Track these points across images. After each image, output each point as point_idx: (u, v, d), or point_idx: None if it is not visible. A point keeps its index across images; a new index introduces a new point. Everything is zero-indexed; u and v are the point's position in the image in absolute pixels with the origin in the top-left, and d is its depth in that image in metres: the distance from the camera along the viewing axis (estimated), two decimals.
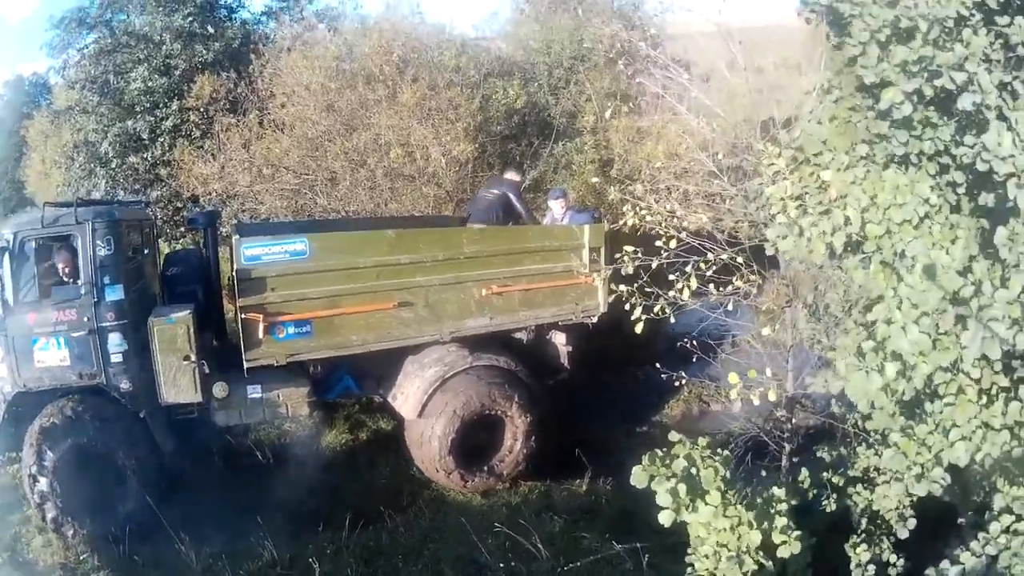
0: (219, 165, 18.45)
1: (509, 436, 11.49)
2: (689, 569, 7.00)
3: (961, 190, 6.07)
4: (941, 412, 6.08)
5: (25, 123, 46.53)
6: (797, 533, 6.75)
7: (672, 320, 9.24)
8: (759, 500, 6.92)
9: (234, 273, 10.26)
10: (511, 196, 12.53)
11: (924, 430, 6.26)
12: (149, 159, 22.94)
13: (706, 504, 6.51)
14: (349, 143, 16.81)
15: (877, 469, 7.57)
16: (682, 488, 6.40)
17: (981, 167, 5.54)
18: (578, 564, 8.97)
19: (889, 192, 6.14)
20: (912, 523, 7.30)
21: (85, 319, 10.32)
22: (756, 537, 6.56)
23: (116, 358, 10.48)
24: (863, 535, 7.60)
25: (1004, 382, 5.91)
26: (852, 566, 7.41)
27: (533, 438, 11.47)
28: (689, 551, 6.82)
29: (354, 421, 14.13)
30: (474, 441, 11.43)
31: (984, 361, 5.77)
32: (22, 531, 10.57)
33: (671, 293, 9.06)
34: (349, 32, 21.27)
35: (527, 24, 22.67)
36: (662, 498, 6.37)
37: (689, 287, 8.98)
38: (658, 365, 10.09)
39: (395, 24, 19.30)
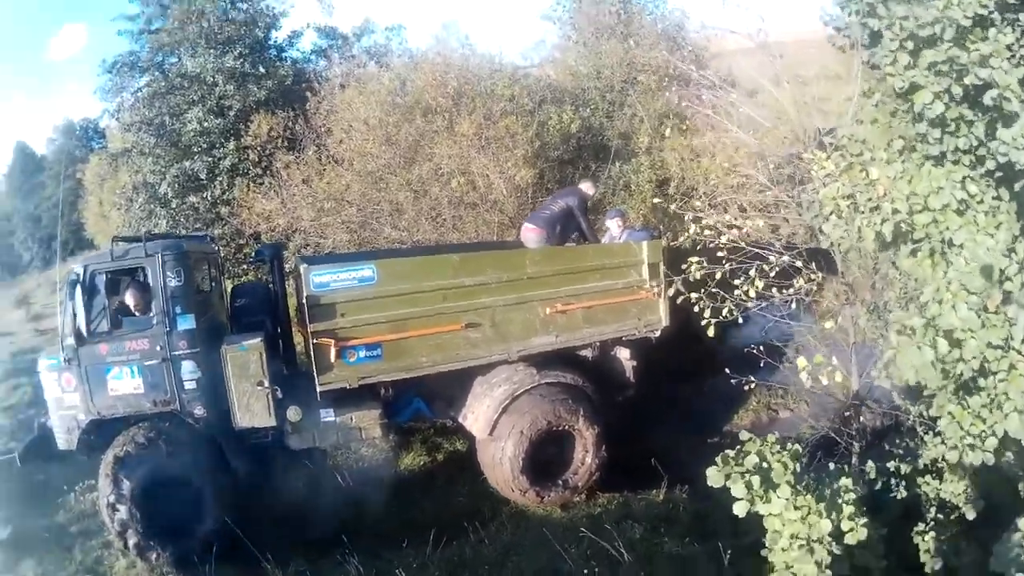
0: (280, 200, 19.08)
1: (580, 449, 11.93)
2: (767, 563, 7.47)
3: (997, 179, 6.61)
4: (995, 387, 6.45)
5: (80, 166, 48.11)
6: (864, 521, 7.13)
7: (740, 321, 9.70)
8: (828, 491, 7.34)
9: (304, 300, 10.73)
10: (575, 210, 12.92)
11: (978, 402, 6.63)
12: (209, 198, 23.66)
13: (778, 496, 6.97)
14: (410, 174, 17.34)
15: (945, 459, 7.68)
16: (755, 480, 6.88)
17: (1014, 157, 6.09)
18: (661, 565, 9.29)
19: (927, 183, 6.66)
20: (980, 504, 7.55)
21: (158, 348, 10.95)
22: (826, 525, 6.93)
23: (189, 385, 11.07)
24: (932, 523, 7.84)
25: None
26: (921, 552, 7.73)
27: (603, 448, 11.91)
28: (767, 546, 7.17)
29: (431, 444, 14.65)
30: (547, 457, 11.89)
31: None
32: (104, 555, 11.08)
33: (736, 293, 9.50)
34: (400, 67, 21.99)
35: (574, 50, 23.16)
36: (737, 490, 6.84)
37: (756, 287, 9.43)
38: (727, 371, 10.40)
39: (446, 57, 19.95)
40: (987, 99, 6.24)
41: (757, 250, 9.79)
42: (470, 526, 10.86)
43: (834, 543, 6.97)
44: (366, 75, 21.79)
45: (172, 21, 25.02)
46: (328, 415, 11.54)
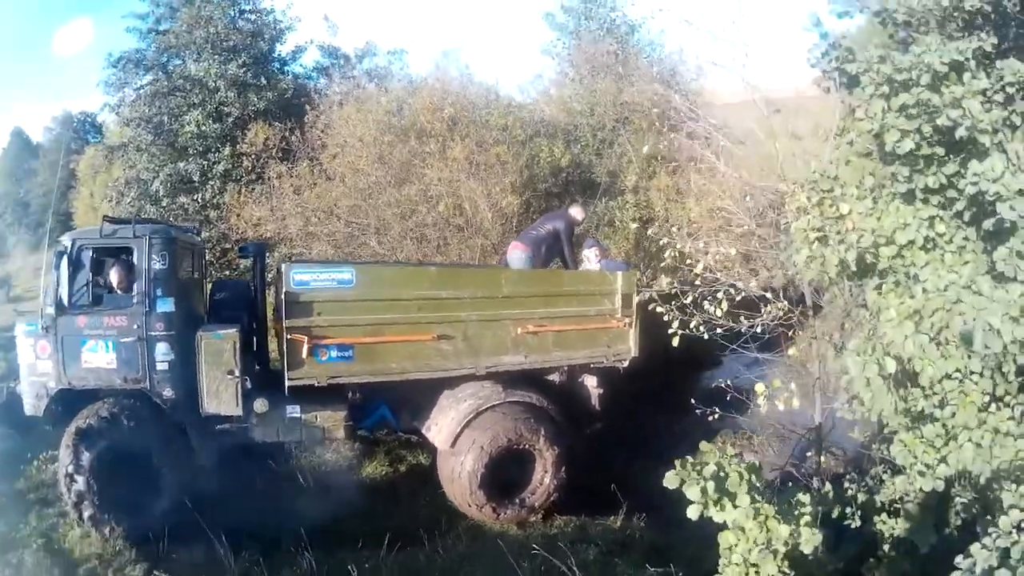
0: (270, 208, 19.49)
1: (539, 469, 12.08)
2: None
3: (967, 218, 6.96)
4: (950, 417, 6.78)
5: (75, 157, 48.39)
6: (821, 533, 7.40)
7: (705, 336, 10.11)
8: (785, 506, 7.61)
9: (283, 296, 10.96)
10: (561, 234, 13.27)
11: (932, 431, 6.92)
12: (199, 200, 24.05)
13: (735, 507, 7.22)
14: (400, 193, 17.72)
15: (903, 499, 7.94)
16: (710, 486, 7.15)
17: (971, 190, 6.45)
18: None
19: (894, 219, 7.02)
20: (932, 539, 7.56)
21: (135, 326, 11.19)
22: (784, 530, 7.21)
23: (162, 366, 11.29)
24: (885, 559, 7.99)
25: (1015, 390, 6.64)
26: None
27: (562, 471, 12.06)
28: (719, 566, 7.34)
29: (394, 456, 14.81)
30: (506, 475, 12.03)
31: (993, 371, 6.60)
32: (59, 523, 11.10)
33: (706, 310, 9.91)
34: (399, 90, 22.48)
35: (570, 87, 23.71)
36: (691, 493, 7.06)
37: (722, 308, 9.81)
38: (693, 401, 10.63)
39: (444, 84, 20.49)
40: (959, 133, 6.60)
41: (728, 281, 10.17)
42: (426, 535, 10.97)
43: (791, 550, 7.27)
44: (365, 95, 22.24)
45: (180, 24, 25.54)
46: (294, 411, 11.71)
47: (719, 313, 9.89)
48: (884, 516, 8.12)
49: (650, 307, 10.62)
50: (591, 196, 18.32)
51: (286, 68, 27.82)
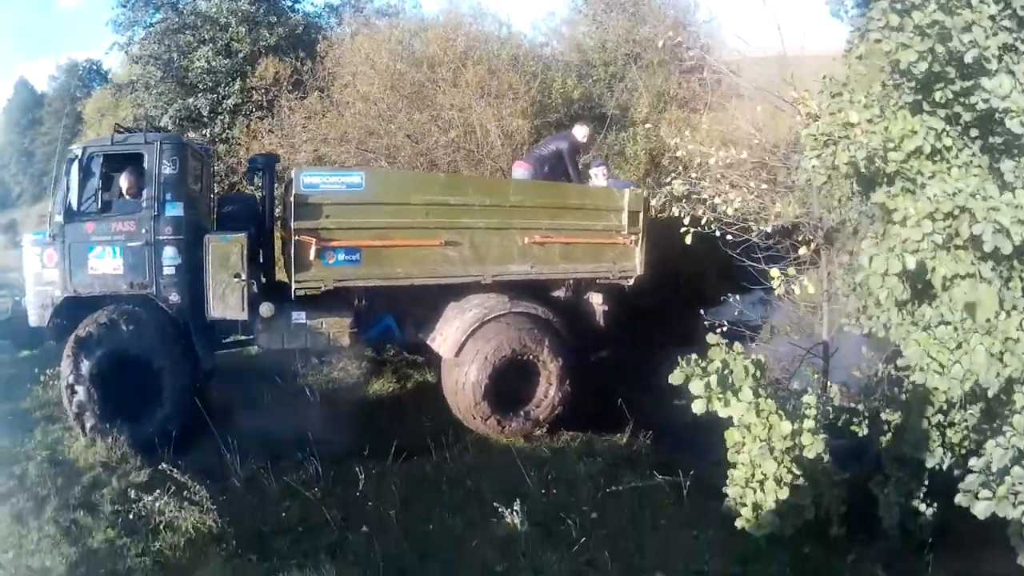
0: (280, 136, 19.68)
1: (544, 382, 12.18)
2: (725, 487, 7.85)
3: (974, 134, 7.13)
4: (962, 320, 6.96)
5: (81, 102, 48.43)
6: (824, 436, 7.57)
7: (717, 233, 10.38)
8: (790, 404, 7.76)
9: (292, 199, 11.03)
10: (565, 154, 13.33)
11: (944, 333, 7.05)
12: (208, 135, 24.07)
13: (739, 400, 7.37)
14: (411, 119, 17.81)
15: (907, 421, 8.04)
16: (714, 379, 7.30)
17: (982, 106, 6.65)
18: (619, 489, 9.48)
19: (902, 126, 7.18)
20: (939, 454, 7.72)
21: (143, 231, 11.31)
22: (786, 427, 7.37)
23: (168, 271, 11.40)
24: (893, 479, 8.03)
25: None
26: (880, 506, 7.99)
27: (567, 383, 12.17)
28: (727, 457, 7.64)
29: (401, 374, 15.00)
30: (511, 388, 12.13)
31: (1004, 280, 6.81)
32: (64, 436, 11.21)
33: (717, 201, 10.10)
34: (411, 26, 22.51)
35: (583, 23, 23.73)
36: (695, 387, 7.23)
37: (732, 207, 10.01)
38: (702, 312, 10.72)
39: (456, 18, 20.60)
40: (968, 58, 6.79)
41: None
42: (433, 446, 11.10)
43: (794, 450, 7.41)
44: (377, 27, 22.33)
45: None
46: (299, 317, 11.81)
47: (729, 212, 9.99)
48: (890, 436, 8.25)
49: (663, 211, 10.82)
50: (599, 129, 18.37)
51: (296, 5, 27.95)
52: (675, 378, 7.33)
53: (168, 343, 11.32)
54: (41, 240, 11.46)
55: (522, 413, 12.21)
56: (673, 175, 11.40)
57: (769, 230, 10.53)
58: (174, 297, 11.47)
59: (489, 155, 17.15)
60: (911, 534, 7.91)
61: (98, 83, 56.50)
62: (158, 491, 8.70)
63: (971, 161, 7.25)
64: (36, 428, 11.54)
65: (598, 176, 13.46)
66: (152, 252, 11.34)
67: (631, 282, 12.95)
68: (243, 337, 12.31)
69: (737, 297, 10.92)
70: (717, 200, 10.23)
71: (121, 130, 12.27)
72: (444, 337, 12.21)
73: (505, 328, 12.02)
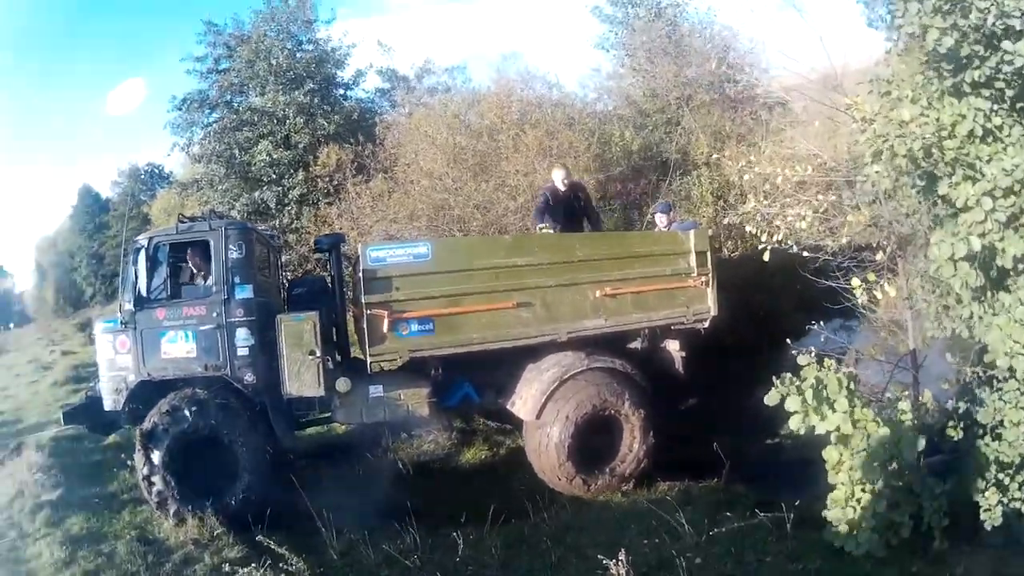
0: (351, 219, 20.08)
1: (627, 435, 12.22)
2: (827, 511, 7.95)
3: (1021, 106, 7.23)
4: None
5: (148, 202, 49.85)
6: (924, 438, 7.61)
7: (793, 249, 10.40)
8: (885, 414, 7.81)
9: (360, 274, 11.32)
10: (539, 205, 13.46)
11: (1023, 311, 7.13)
12: (278, 227, 24.42)
13: (834, 411, 7.46)
14: (477, 188, 18.10)
15: (1002, 422, 8.01)
16: (809, 394, 7.42)
17: (1007, 68, 6.75)
18: (722, 531, 9.40)
19: (950, 113, 7.31)
20: None
21: (214, 314, 11.67)
22: (884, 431, 7.44)
23: (242, 351, 11.73)
24: (991, 482, 7.96)
25: None
26: (981, 511, 7.90)
27: (651, 435, 12.19)
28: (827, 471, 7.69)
29: (492, 441, 15.17)
30: (596, 446, 12.19)
31: None
32: (152, 516, 11.52)
33: (788, 218, 10.20)
34: (464, 99, 23.05)
35: (628, 75, 23.96)
36: (792, 404, 7.39)
37: (806, 219, 10.06)
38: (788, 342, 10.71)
39: (507, 85, 21.07)
40: (990, 20, 6.92)
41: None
42: (531, 507, 11.10)
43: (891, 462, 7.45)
44: (431, 103, 22.95)
45: (240, 60, 26.36)
46: (377, 391, 12.00)
47: (803, 226, 10.08)
48: (987, 439, 8.16)
49: (743, 227, 11.18)
50: (663, 175, 18.64)
51: (349, 93, 28.51)
52: (771, 399, 7.54)
53: (235, 417, 11.58)
54: (113, 328, 11.84)
55: (607, 470, 12.24)
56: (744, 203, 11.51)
57: (844, 241, 10.57)
58: (249, 377, 11.76)
59: None
60: (1018, 540, 7.85)
61: (160, 185, 58.22)
62: (254, 564, 8.84)
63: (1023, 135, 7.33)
64: (124, 510, 11.93)
65: (661, 221, 13.62)
66: (224, 334, 11.68)
67: (707, 324, 12.95)
68: (321, 415, 12.50)
69: (821, 324, 10.92)
70: (790, 217, 10.28)
71: (185, 220, 12.68)
72: (524, 400, 12.31)
73: (584, 385, 12.09)
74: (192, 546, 10.33)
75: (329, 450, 14.10)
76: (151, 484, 11.19)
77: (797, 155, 11.82)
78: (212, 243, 11.83)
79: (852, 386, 7.67)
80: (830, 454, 7.79)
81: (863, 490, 7.62)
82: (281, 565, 8.86)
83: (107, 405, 11.93)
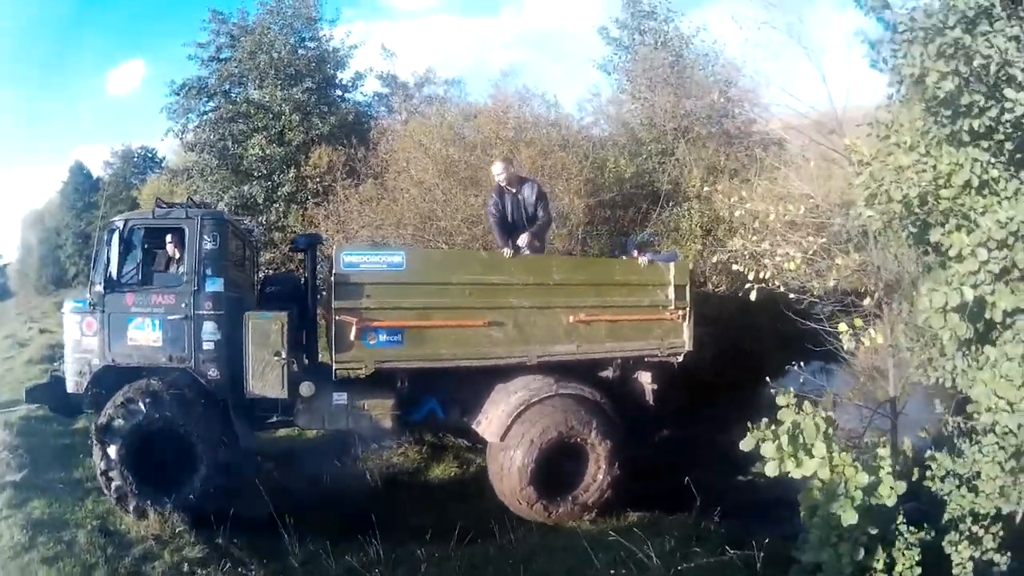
0: (338, 221, 20.01)
1: (592, 464, 12.06)
2: (797, 551, 7.86)
3: (1020, 157, 7.22)
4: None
5: (139, 186, 49.78)
6: (903, 484, 7.55)
7: (781, 289, 10.25)
8: (863, 457, 7.74)
9: (332, 278, 11.19)
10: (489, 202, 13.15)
11: (1009, 367, 7.02)
12: (264, 223, 24.60)
13: (811, 457, 7.38)
14: (466, 202, 17.96)
15: (978, 474, 7.90)
16: (785, 439, 7.34)
17: (1007, 116, 6.72)
18: (691, 567, 9.28)
19: (947, 161, 7.26)
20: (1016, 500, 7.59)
21: (183, 305, 11.47)
22: (863, 478, 7.36)
23: (208, 345, 11.53)
24: (966, 535, 7.90)
25: None
26: (954, 565, 7.81)
27: (616, 466, 12.02)
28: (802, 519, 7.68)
29: (463, 459, 14.98)
30: (560, 472, 12.05)
31: None
32: (115, 508, 11.12)
33: (777, 258, 10.07)
34: (460, 112, 23.00)
35: (627, 102, 23.95)
36: (767, 450, 7.33)
37: (794, 260, 9.94)
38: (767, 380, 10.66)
39: (504, 102, 21.05)
40: (993, 69, 6.87)
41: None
42: (497, 528, 11.00)
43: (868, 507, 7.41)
44: (428, 113, 22.94)
45: (242, 51, 26.32)
46: (341, 398, 11.84)
47: (791, 267, 9.97)
48: (963, 490, 8.08)
49: (730, 264, 10.98)
50: (653, 205, 18.57)
51: (347, 95, 28.51)
52: (746, 444, 7.48)
53: (191, 410, 11.29)
54: (82, 308, 11.69)
55: (570, 498, 12.08)
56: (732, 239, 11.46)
57: (831, 284, 10.43)
58: (213, 372, 11.57)
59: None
60: None
61: (153, 170, 58.11)
62: (213, 566, 8.77)
63: (1020, 190, 7.26)
64: (88, 498, 11.57)
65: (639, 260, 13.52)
66: (191, 326, 11.51)
67: (680, 359, 12.82)
68: (284, 417, 12.26)
69: (801, 364, 10.83)
70: (779, 257, 10.18)
71: (163, 204, 12.49)
72: (489, 420, 12.15)
73: (551, 411, 11.93)
74: (153, 541, 10.09)
75: (297, 455, 13.93)
76: (109, 480, 10.96)
77: (790, 194, 11.77)
78: (187, 231, 11.65)
79: (830, 431, 7.57)
80: (809, 495, 7.69)
81: (838, 536, 7.51)
82: (240, 570, 8.82)
83: (70, 387, 11.78)
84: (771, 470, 7.30)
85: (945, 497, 8.19)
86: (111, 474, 10.91)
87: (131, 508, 10.85)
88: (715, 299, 13.40)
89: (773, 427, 7.59)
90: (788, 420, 7.61)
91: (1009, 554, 7.72)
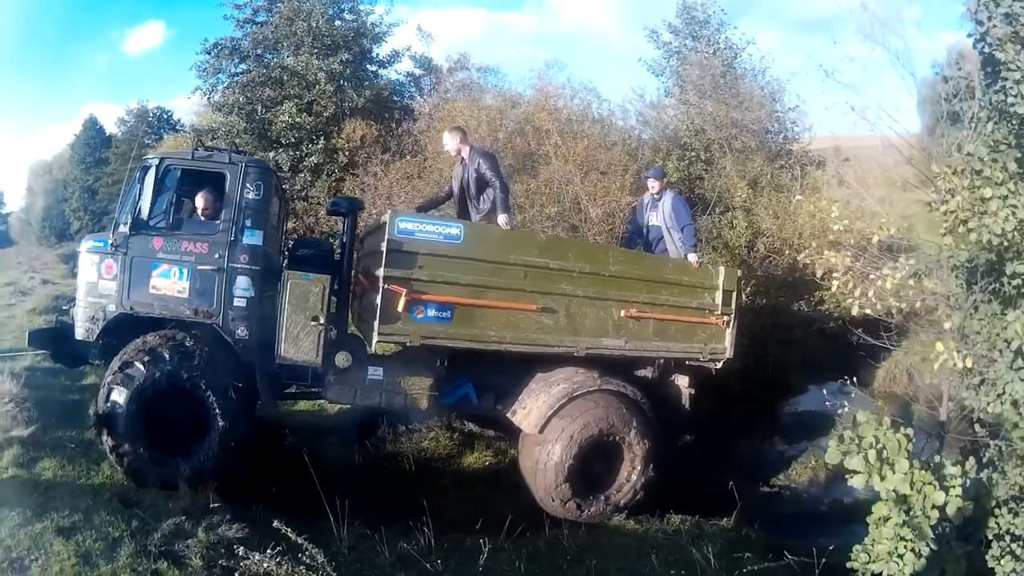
0: (371, 198, 19.62)
1: (628, 464, 11.81)
2: (852, 561, 7.66)
3: None
4: None
5: (154, 145, 49.55)
6: (970, 503, 7.43)
7: (878, 307, 10.20)
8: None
9: (383, 244, 10.49)
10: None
11: None
12: (289, 192, 24.34)
13: (894, 472, 7.22)
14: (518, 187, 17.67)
15: (1015, 497, 7.93)
16: (872, 453, 7.18)
17: None
18: (755, 568, 8.95)
19: None
20: None
21: (216, 256, 10.76)
22: (940, 496, 7.21)
23: (239, 302, 10.82)
24: (1008, 551, 7.84)
25: None
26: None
27: (651, 467, 11.75)
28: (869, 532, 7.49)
29: (496, 448, 14.59)
30: (592, 470, 11.78)
31: None
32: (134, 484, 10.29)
33: (872, 279, 9.98)
34: (510, 97, 22.88)
35: (674, 109, 23.84)
36: (854, 464, 7.22)
37: (892, 279, 9.75)
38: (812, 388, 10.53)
39: (547, 92, 20.95)
40: None
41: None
42: (546, 522, 10.74)
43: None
44: (459, 98, 22.92)
45: (280, 16, 26.18)
46: (376, 373, 11.36)
47: (887, 286, 9.79)
48: (1003, 511, 8.05)
49: (823, 279, 10.91)
50: (701, 211, 18.41)
51: (381, 71, 28.43)
52: (831, 456, 7.39)
53: (228, 377, 10.60)
54: (102, 248, 10.79)
55: (602, 497, 11.79)
56: (772, 256, 11.33)
57: (917, 305, 10.45)
58: (241, 331, 10.90)
59: (591, 230, 17.10)
60: None
61: (167, 131, 57.78)
62: (265, 550, 8.03)
63: None
64: (103, 462, 10.63)
65: (653, 187, 13.52)
66: (224, 279, 10.80)
67: (719, 365, 12.63)
68: (309, 388, 11.76)
69: (848, 379, 10.67)
70: (873, 276, 10.06)
71: (205, 147, 11.82)
72: (527, 411, 11.80)
73: (593, 406, 11.61)
74: (183, 516, 9.10)
75: (325, 432, 13.51)
76: (121, 456, 10.19)
77: (865, 213, 11.68)
78: (228, 177, 10.95)
79: (910, 447, 7.45)
80: (879, 509, 7.58)
81: (906, 547, 7.40)
82: (294, 555, 8.03)
83: (79, 334, 10.88)
84: (859, 483, 7.23)
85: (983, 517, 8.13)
86: (121, 450, 10.17)
87: (151, 481, 10.09)
88: (750, 310, 13.19)
89: (857, 441, 7.43)
90: (869, 435, 7.46)
91: None
